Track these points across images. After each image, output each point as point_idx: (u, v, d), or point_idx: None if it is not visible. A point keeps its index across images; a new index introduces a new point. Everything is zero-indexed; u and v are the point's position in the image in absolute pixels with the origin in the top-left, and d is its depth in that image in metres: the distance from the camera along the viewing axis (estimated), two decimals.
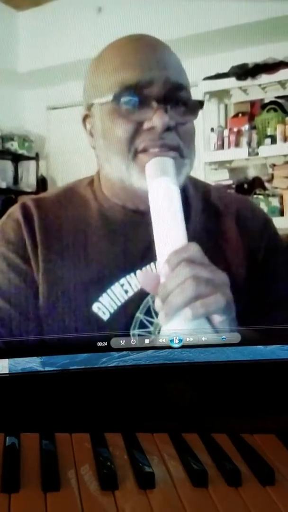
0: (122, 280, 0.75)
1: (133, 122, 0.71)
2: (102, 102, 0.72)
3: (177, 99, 0.71)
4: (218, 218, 0.79)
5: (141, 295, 0.74)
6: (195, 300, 0.65)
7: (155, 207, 0.70)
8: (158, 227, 0.70)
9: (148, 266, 0.74)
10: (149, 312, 0.75)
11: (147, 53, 0.72)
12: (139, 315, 0.74)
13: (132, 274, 0.75)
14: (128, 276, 0.75)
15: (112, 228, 0.76)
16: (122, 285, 0.74)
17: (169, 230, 0.69)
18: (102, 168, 0.76)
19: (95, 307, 0.74)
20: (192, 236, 0.73)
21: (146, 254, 0.73)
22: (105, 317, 0.74)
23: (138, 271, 0.74)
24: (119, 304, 0.74)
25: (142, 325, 0.75)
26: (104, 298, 0.74)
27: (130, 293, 0.75)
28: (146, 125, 0.71)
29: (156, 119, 0.70)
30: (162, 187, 0.70)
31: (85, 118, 0.76)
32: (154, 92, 0.70)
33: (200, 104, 0.75)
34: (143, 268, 0.74)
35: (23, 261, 0.74)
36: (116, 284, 0.74)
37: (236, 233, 0.78)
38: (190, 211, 0.77)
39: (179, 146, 0.72)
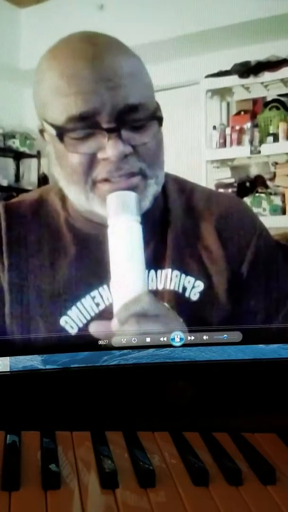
0: (94, 293, 0.71)
1: (86, 154, 0.65)
2: (49, 129, 0.67)
3: (131, 120, 0.65)
4: (198, 221, 0.75)
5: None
6: None
7: (113, 246, 0.67)
8: (114, 266, 0.67)
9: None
10: None
11: (91, 68, 0.63)
12: None
13: (105, 286, 0.71)
14: (100, 288, 0.71)
15: (81, 238, 0.72)
16: (93, 298, 0.71)
17: (125, 272, 0.67)
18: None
19: (63, 321, 0.71)
20: (173, 241, 0.72)
21: None
22: (73, 331, 0.72)
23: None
24: (88, 318, 0.72)
25: None
26: (72, 311, 0.71)
27: (102, 307, 0.71)
28: (100, 156, 0.65)
29: (109, 150, 0.64)
30: (121, 226, 0.67)
31: (41, 131, 0.70)
32: (103, 120, 0.64)
33: (159, 120, 0.68)
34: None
35: None
36: (87, 296, 0.71)
37: (215, 236, 0.74)
38: (169, 215, 0.74)
39: (140, 170, 0.67)
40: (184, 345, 0.75)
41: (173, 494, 0.58)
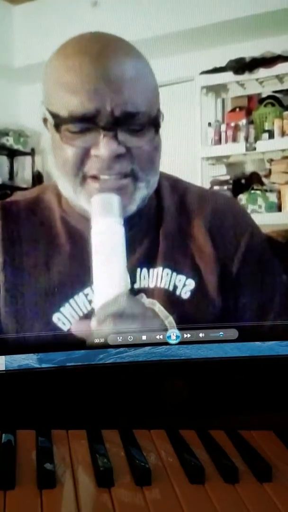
0: (87, 290, 0.72)
1: (80, 148, 0.67)
2: (49, 118, 0.68)
3: (129, 124, 0.66)
4: (190, 220, 0.75)
5: None
6: None
7: (94, 247, 0.69)
8: (95, 267, 0.69)
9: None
10: None
11: (97, 70, 0.65)
12: None
13: None
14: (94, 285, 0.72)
15: (75, 235, 0.73)
16: (86, 295, 0.72)
17: (105, 273, 0.69)
18: None
19: (55, 318, 0.72)
20: (165, 240, 0.73)
21: None
22: (65, 327, 0.72)
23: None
24: (81, 315, 0.72)
25: None
26: (66, 308, 0.72)
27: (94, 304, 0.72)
28: (93, 152, 0.67)
29: (103, 148, 0.66)
30: (103, 228, 0.69)
31: (44, 120, 0.72)
32: (101, 119, 0.65)
33: (156, 127, 0.69)
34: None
35: None
36: (80, 293, 0.72)
37: (206, 235, 0.75)
38: (162, 214, 0.75)
39: (132, 171, 0.68)
40: (180, 343, 0.75)
41: (169, 492, 0.58)
